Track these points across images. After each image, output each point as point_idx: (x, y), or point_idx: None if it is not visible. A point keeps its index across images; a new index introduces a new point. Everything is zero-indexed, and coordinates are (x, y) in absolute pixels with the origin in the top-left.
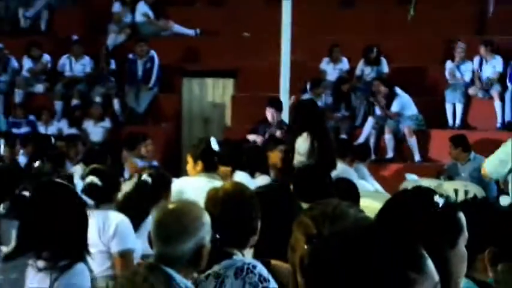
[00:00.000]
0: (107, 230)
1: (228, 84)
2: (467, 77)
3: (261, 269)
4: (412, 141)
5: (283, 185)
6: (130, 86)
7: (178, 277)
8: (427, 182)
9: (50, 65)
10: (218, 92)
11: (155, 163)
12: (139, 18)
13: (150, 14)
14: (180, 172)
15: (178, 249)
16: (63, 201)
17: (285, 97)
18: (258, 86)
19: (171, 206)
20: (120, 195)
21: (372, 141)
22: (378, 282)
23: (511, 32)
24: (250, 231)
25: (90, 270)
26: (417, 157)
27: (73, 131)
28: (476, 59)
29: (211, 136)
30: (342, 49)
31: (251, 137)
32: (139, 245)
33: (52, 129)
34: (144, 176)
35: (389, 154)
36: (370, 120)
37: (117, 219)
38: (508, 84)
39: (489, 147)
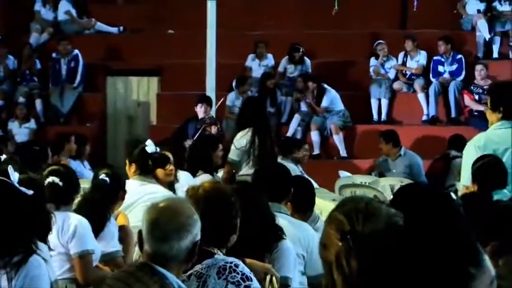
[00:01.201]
0: (66, 232)
1: (152, 82)
2: (392, 74)
3: (243, 267)
4: (338, 138)
5: (248, 183)
6: (55, 85)
7: (170, 276)
8: (361, 179)
9: None
10: (143, 90)
11: (86, 163)
12: (61, 16)
13: (73, 12)
14: None
15: (174, 247)
16: (3, 196)
17: (212, 95)
18: (183, 84)
19: (162, 205)
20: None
21: (298, 138)
22: (440, 278)
23: (433, 27)
24: (230, 230)
25: (45, 260)
26: (343, 154)
27: None
28: (401, 54)
29: (136, 135)
30: (268, 45)
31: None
32: (99, 246)
33: None
34: (102, 176)
35: (316, 151)
36: (296, 117)
37: (76, 220)
38: (432, 79)
39: (415, 141)
